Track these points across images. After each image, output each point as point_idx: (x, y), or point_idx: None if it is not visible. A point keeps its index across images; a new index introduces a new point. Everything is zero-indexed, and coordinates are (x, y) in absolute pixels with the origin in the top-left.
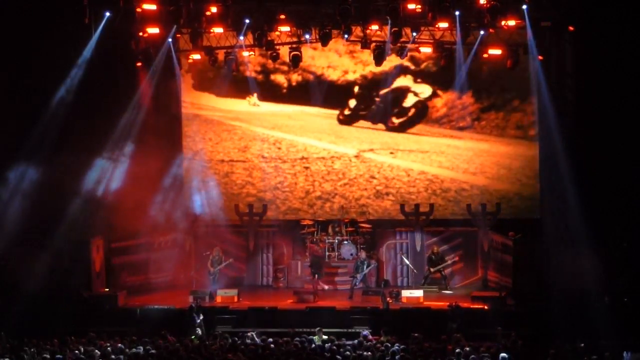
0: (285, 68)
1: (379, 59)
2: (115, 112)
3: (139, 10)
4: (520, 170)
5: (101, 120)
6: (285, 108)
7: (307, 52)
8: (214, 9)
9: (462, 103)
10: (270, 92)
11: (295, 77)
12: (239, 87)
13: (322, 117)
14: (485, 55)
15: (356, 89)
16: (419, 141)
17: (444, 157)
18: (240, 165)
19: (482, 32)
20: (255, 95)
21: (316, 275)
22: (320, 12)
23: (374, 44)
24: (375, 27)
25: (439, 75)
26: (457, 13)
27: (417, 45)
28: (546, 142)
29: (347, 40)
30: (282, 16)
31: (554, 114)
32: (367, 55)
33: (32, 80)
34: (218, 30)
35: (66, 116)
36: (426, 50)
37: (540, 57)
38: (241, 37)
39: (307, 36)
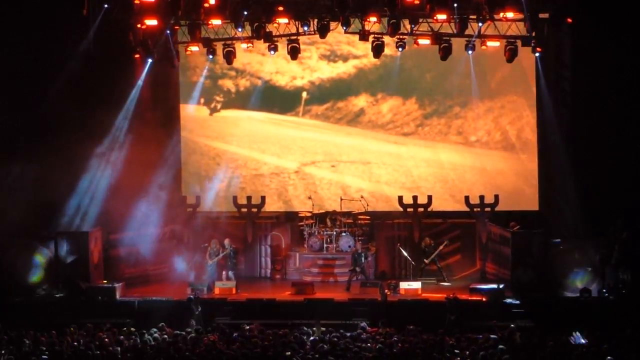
0: (233, 73)
1: (377, 51)
2: (113, 103)
3: (137, 2)
4: (456, 183)
5: (99, 111)
6: (232, 114)
7: (255, 58)
8: (212, 1)
9: (407, 109)
10: (218, 98)
11: (243, 83)
12: (188, 91)
13: (269, 123)
14: (483, 48)
15: (304, 94)
16: (362, 150)
17: (384, 170)
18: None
19: (480, 24)
20: None
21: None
22: (319, 3)
23: (372, 36)
24: (373, 18)
25: (384, 81)
26: (455, 5)
27: (415, 37)
28: (544, 134)
29: (346, 32)
30: (280, 8)
31: (551, 105)
32: (315, 62)
33: (30, 72)
34: (216, 22)
35: (64, 108)
36: (424, 42)
37: (538, 49)
38: (239, 29)
39: (306, 28)
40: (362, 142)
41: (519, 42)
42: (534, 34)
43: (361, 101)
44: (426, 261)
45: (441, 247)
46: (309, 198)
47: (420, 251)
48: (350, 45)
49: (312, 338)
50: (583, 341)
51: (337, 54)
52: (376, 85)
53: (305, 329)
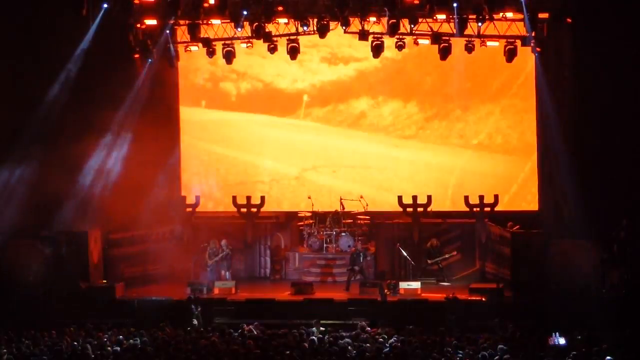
0: (234, 76)
1: (376, 51)
2: (113, 103)
3: (136, 1)
4: (457, 187)
5: (99, 111)
6: (233, 116)
7: (256, 60)
8: (211, 1)
9: (408, 112)
10: (219, 100)
11: (245, 85)
12: (188, 93)
13: (269, 126)
14: (482, 47)
15: (305, 97)
16: (363, 153)
17: (385, 174)
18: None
19: (479, 24)
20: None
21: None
22: (318, 3)
23: (371, 36)
24: (373, 18)
25: (385, 84)
26: (455, 5)
27: (414, 37)
28: (544, 134)
29: (345, 32)
30: (280, 8)
31: (551, 105)
32: (316, 64)
33: (29, 72)
34: (215, 22)
35: (63, 108)
36: (424, 42)
37: (538, 49)
38: (239, 29)
39: (305, 28)
40: (363, 145)
41: (518, 42)
42: (533, 34)
43: (362, 104)
44: (429, 262)
45: (447, 256)
46: (309, 198)
47: (424, 251)
48: (351, 48)
49: (311, 338)
50: (563, 342)
51: (338, 56)
52: (377, 88)
53: (305, 329)
